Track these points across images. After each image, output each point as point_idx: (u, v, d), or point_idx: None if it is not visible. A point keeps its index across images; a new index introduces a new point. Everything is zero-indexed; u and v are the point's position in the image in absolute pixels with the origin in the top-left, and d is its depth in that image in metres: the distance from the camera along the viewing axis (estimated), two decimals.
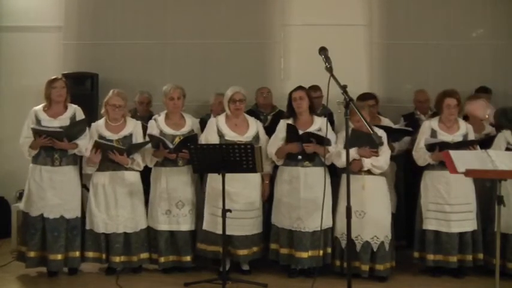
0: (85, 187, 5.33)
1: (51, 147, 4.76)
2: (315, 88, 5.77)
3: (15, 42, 7.02)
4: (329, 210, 4.82)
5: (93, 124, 5.04)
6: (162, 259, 4.99)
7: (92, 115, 5.48)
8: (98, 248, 4.95)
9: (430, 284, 4.82)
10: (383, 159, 4.82)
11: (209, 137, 4.93)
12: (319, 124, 4.92)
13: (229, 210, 4.42)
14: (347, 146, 3.77)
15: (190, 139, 4.84)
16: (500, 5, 6.66)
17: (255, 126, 5.05)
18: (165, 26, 6.92)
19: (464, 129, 4.96)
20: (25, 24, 7.02)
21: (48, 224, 4.81)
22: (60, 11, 6.99)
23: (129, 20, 6.95)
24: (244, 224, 4.85)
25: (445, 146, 4.70)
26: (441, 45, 6.64)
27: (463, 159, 3.96)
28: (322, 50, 3.70)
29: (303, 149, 4.80)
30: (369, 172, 4.80)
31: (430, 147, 4.87)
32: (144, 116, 5.85)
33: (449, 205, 4.82)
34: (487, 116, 3.88)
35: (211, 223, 4.86)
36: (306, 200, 4.80)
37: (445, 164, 4.22)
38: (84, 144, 4.88)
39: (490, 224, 4.86)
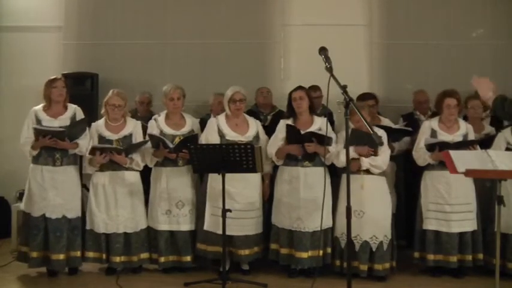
0: (85, 187, 5.33)
1: (52, 147, 4.76)
2: (315, 88, 5.77)
3: (15, 42, 7.02)
4: (329, 210, 4.82)
5: (93, 124, 5.04)
6: (162, 259, 4.99)
7: (92, 115, 5.48)
8: (98, 248, 4.95)
9: (430, 284, 4.82)
10: (381, 159, 4.81)
11: (210, 137, 4.93)
12: (319, 124, 4.92)
13: (229, 210, 4.42)
14: (347, 146, 3.77)
15: (190, 139, 4.84)
16: (500, 5, 6.66)
17: (255, 126, 5.06)
18: (165, 26, 6.92)
19: (464, 129, 4.96)
20: (25, 24, 7.02)
21: (51, 224, 4.81)
22: (60, 11, 6.99)
23: (129, 20, 6.95)
24: (245, 224, 4.85)
25: (445, 146, 4.70)
26: (441, 45, 6.64)
27: (463, 159, 3.96)
28: (322, 50, 3.69)
29: (304, 151, 4.79)
30: (367, 172, 4.81)
31: (430, 147, 4.87)
32: (145, 116, 5.85)
33: (450, 205, 4.83)
34: (487, 97, 3.86)
35: (212, 223, 4.86)
36: (306, 200, 4.80)
37: (445, 164, 4.21)
38: (85, 143, 4.89)
39: (490, 224, 4.86)
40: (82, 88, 6.44)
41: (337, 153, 4.81)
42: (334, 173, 4.98)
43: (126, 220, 4.93)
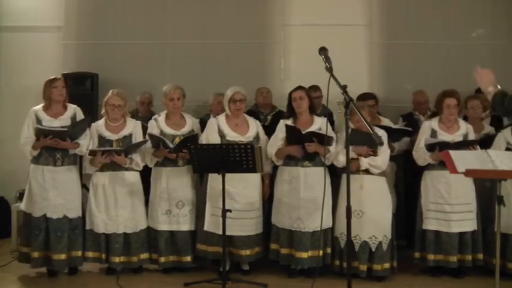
0: (85, 187, 5.33)
1: (53, 147, 4.77)
2: (315, 88, 5.77)
3: (15, 42, 7.02)
4: (329, 210, 4.81)
5: (93, 124, 5.04)
6: (162, 259, 4.99)
7: (92, 115, 5.47)
8: (98, 248, 4.95)
9: (430, 284, 4.82)
10: (381, 159, 4.81)
11: (210, 137, 4.93)
12: (319, 124, 4.92)
13: (229, 210, 4.42)
14: (347, 146, 3.77)
15: (190, 139, 4.84)
16: (500, 5, 6.66)
17: (255, 127, 5.06)
18: (165, 26, 6.92)
19: (464, 129, 4.96)
20: (25, 24, 7.02)
21: (52, 224, 4.81)
22: (60, 11, 7.00)
23: (129, 20, 6.95)
24: (245, 224, 4.85)
25: (445, 145, 4.70)
26: (441, 45, 6.64)
27: (463, 159, 3.96)
28: (322, 50, 3.70)
29: (305, 153, 4.80)
30: (367, 172, 4.80)
31: (430, 147, 4.87)
32: (146, 116, 5.85)
33: (450, 205, 4.83)
34: (488, 91, 3.86)
35: (212, 224, 4.86)
36: (306, 200, 4.80)
37: (445, 164, 4.21)
38: (85, 143, 4.90)
39: (490, 224, 4.86)
40: (82, 88, 6.45)
41: (337, 153, 4.81)
42: (334, 173, 4.98)
43: (126, 220, 4.93)
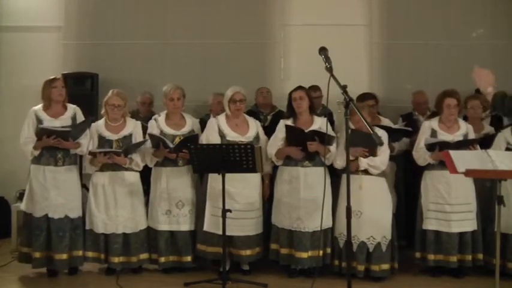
0: (85, 187, 5.33)
1: (54, 147, 4.77)
2: (315, 88, 5.77)
3: (15, 42, 7.02)
4: (329, 211, 4.81)
5: (93, 124, 5.04)
6: (162, 259, 4.99)
7: (92, 115, 5.47)
8: (97, 248, 4.95)
9: (430, 284, 4.82)
10: (380, 159, 4.81)
11: (210, 137, 4.93)
12: (319, 124, 4.92)
13: (229, 210, 4.43)
14: (347, 146, 3.76)
15: (190, 139, 4.84)
16: (500, 4, 6.66)
17: (255, 127, 5.06)
18: (165, 26, 6.92)
19: (464, 129, 4.96)
20: (25, 24, 7.02)
21: (53, 224, 4.81)
22: (60, 11, 7.00)
23: (129, 20, 6.95)
24: (245, 224, 4.85)
25: (445, 145, 4.70)
26: (441, 45, 6.64)
27: (463, 159, 3.96)
28: (322, 50, 3.70)
29: (306, 154, 4.79)
30: (366, 172, 4.80)
31: (430, 147, 4.87)
32: (146, 116, 5.84)
33: (450, 205, 4.82)
34: (487, 92, 3.88)
35: (212, 224, 4.86)
36: (306, 200, 4.80)
37: (445, 164, 4.22)
38: (86, 143, 4.91)
39: (490, 224, 4.86)
40: (82, 88, 6.45)
41: (335, 155, 4.81)
42: (334, 173, 4.97)
43: (125, 220, 4.93)
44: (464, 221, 4.83)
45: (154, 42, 6.90)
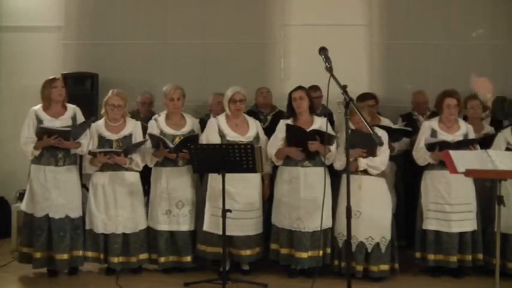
0: (85, 187, 5.33)
1: (54, 147, 4.77)
2: (315, 88, 5.77)
3: (15, 42, 7.02)
4: (329, 210, 4.81)
5: (93, 124, 5.04)
6: (162, 259, 4.99)
7: (92, 115, 5.47)
8: (97, 248, 4.95)
9: (430, 284, 4.82)
10: (379, 159, 4.80)
11: (210, 137, 4.93)
12: (319, 124, 4.91)
13: (229, 210, 4.43)
14: (347, 146, 3.76)
15: (190, 139, 4.84)
16: (500, 4, 6.66)
17: (255, 127, 5.06)
18: (165, 26, 6.92)
19: (464, 129, 4.96)
20: (25, 24, 7.02)
21: (54, 224, 4.81)
22: (60, 11, 7.00)
23: (129, 20, 6.95)
24: (245, 224, 4.85)
25: (445, 145, 4.70)
26: (441, 45, 6.64)
27: (463, 159, 3.96)
28: (322, 50, 3.70)
29: (306, 155, 4.79)
30: (365, 172, 4.80)
31: (430, 147, 4.87)
32: (147, 116, 5.84)
33: (450, 205, 4.82)
34: (486, 99, 3.89)
35: (212, 224, 4.86)
36: (305, 200, 4.80)
37: (445, 164, 4.22)
38: (86, 143, 4.91)
39: (490, 224, 4.86)
40: (82, 88, 6.45)
41: (335, 156, 4.81)
42: (334, 173, 4.97)
43: (125, 220, 4.93)
44: (464, 221, 4.83)
45: (154, 42, 6.90)
